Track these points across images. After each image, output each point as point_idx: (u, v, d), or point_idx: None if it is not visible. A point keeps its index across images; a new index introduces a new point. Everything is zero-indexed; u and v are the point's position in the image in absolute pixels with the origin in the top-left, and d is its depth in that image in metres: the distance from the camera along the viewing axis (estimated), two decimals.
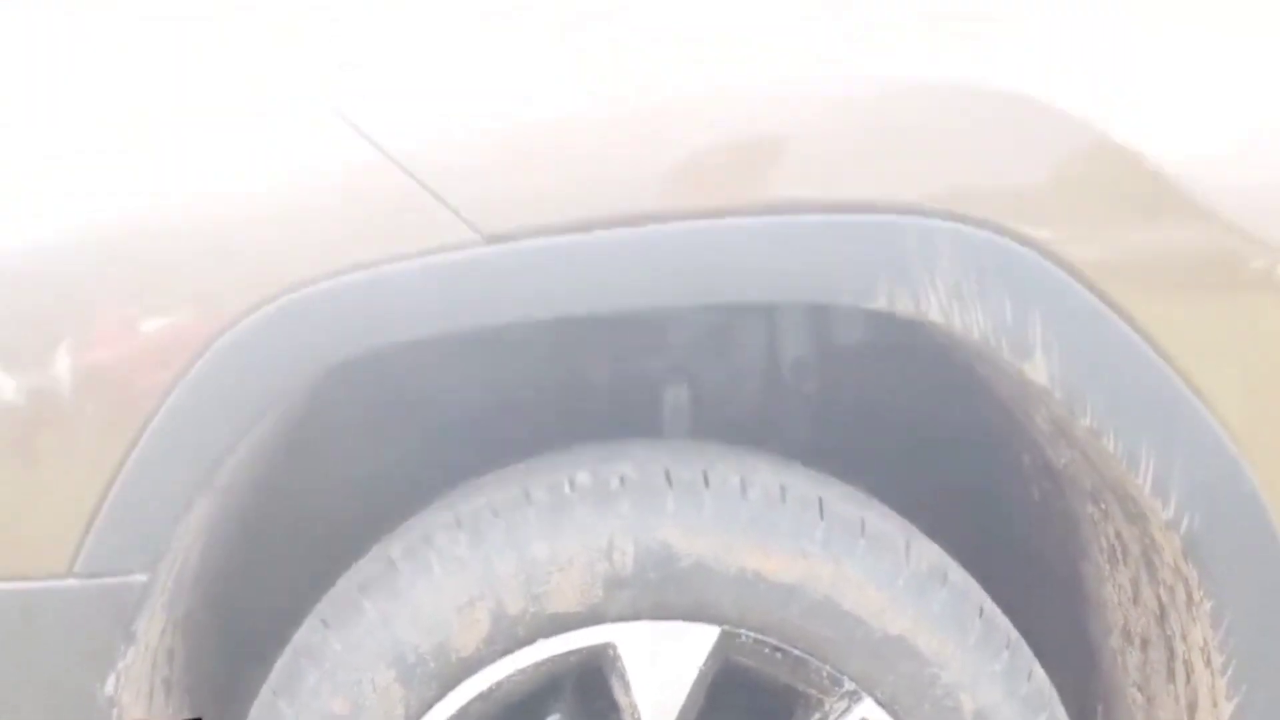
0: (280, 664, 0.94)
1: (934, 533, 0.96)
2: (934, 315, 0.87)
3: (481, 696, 0.91)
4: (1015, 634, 0.94)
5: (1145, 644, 1.00)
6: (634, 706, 0.91)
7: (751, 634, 0.90)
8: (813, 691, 0.92)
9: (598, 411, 1.15)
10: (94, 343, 0.87)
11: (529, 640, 0.90)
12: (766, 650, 0.91)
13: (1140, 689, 1.02)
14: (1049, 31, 0.93)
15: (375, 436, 1.20)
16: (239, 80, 0.93)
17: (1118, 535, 0.97)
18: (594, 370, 1.20)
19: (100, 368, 0.87)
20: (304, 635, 0.93)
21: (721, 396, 1.22)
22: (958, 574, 0.93)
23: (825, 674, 0.91)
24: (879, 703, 0.91)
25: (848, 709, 0.91)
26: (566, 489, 0.91)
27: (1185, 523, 0.89)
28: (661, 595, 0.90)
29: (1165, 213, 0.90)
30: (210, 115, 0.91)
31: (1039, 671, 0.95)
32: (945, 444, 1.16)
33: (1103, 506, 0.97)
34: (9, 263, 0.89)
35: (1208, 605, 0.91)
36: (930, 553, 0.93)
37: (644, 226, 0.86)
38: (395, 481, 1.10)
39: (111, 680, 0.89)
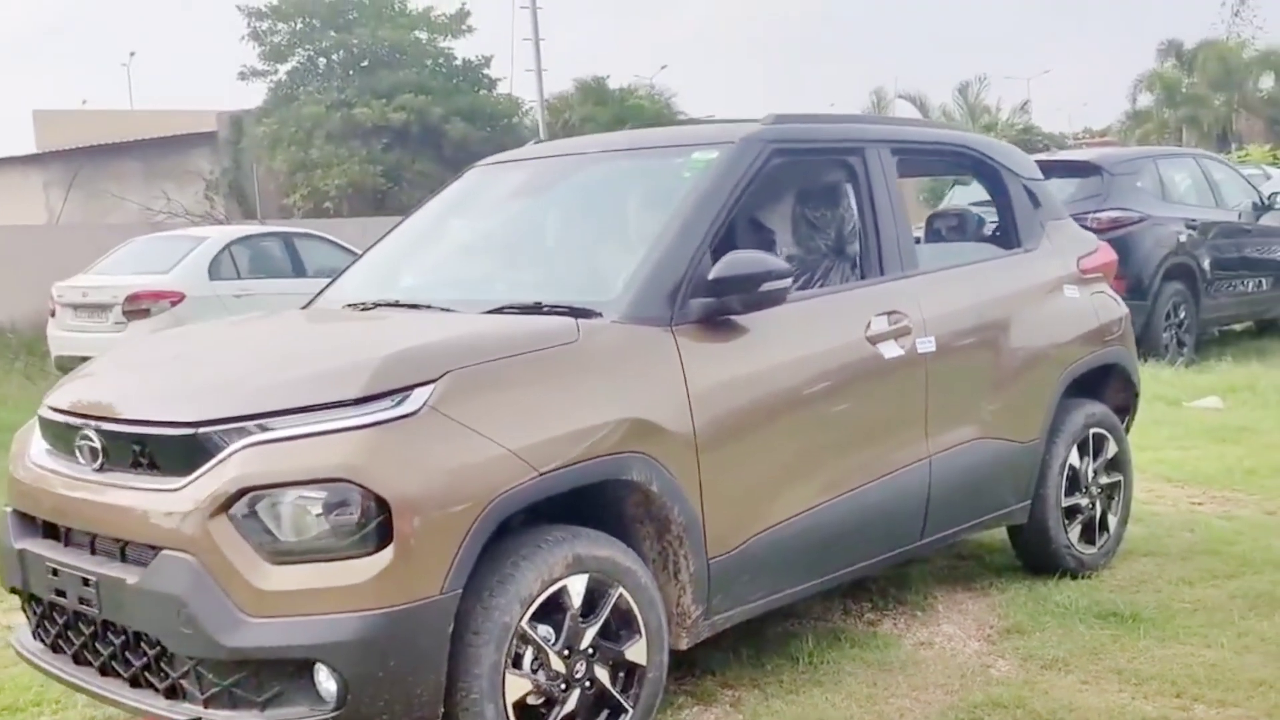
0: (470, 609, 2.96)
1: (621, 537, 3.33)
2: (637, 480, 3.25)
3: (540, 604, 3.06)
4: (643, 564, 3.33)
5: (665, 557, 3.45)
6: (573, 604, 3.12)
7: (597, 575, 3.17)
8: (609, 589, 3.21)
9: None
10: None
11: (550, 588, 3.06)
12: (600, 578, 3.17)
13: (663, 571, 3.46)
14: None
15: None
16: None
17: (656, 530, 3.41)
18: None
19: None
20: (481, 600, 2.96)
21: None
22: (631, 552, 3.31)
23: (613, 583, 3.21)
24: (624, 587, 3.23)
25: (619, 590, 3.22)
26: (546, 541, 3.10)
27: (680, 520, 3.37)
28: (579, 568, 3.12)
29: None
30: None
31: (649, 571, 3.35)
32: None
33: (655, 520, 3.41)
34: None
35: (683, 548, 3.41)
36: (620, 544, 3.29)
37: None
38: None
39: None
